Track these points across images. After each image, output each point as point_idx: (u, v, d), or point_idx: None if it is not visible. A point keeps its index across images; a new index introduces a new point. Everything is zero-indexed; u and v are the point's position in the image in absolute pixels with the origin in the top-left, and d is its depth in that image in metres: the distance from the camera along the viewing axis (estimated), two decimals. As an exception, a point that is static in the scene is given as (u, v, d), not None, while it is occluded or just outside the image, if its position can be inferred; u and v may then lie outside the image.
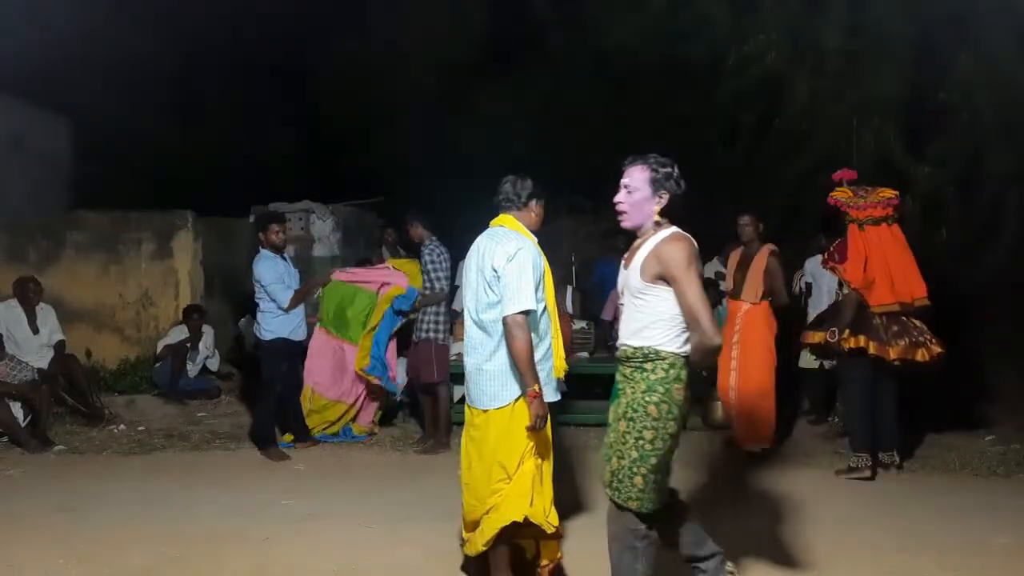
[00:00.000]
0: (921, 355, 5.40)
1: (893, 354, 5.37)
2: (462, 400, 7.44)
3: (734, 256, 6.41)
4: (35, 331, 7.08)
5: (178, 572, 3.97)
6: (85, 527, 4.57)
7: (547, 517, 3.61)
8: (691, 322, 2.97)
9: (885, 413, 5.63)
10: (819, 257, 7.29)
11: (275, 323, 6.12)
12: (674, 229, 3.12)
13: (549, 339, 3.74)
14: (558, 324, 3.85)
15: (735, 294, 6.29)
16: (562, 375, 3.84)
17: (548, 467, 3.69)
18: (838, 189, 5.66)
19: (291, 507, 4.92)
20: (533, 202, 3.81)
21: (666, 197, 3.11)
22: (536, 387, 3.46)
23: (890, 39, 7.16)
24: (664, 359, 3.03)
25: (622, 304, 3.23)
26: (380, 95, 11.03)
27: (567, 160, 9.71)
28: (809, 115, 7.63)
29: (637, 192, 3.12)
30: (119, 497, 5.09)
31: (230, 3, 10.01)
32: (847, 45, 7.34)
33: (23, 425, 6.49)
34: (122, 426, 7.06)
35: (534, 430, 3.49)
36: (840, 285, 5.74)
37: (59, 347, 7.21)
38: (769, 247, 6.20)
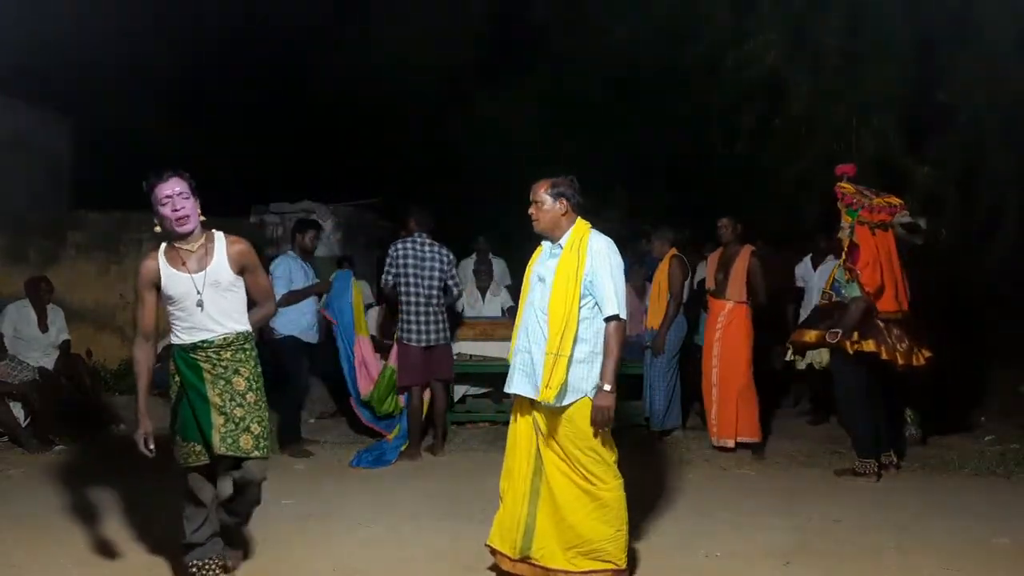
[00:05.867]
0: (917, 359, 5.42)
1: (901, 359, 5.33)
2: (462, 400, 7.54)
3: (714, 257, 6.60)
4: (44, 330, 7.08)
5: (178, 572, 3.97)
6: (85, 527, 4.56)
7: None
8: None
9: (884, 415, 5.61)
10: (809, 259, 7.31)
11: (281, 321, 6.12)
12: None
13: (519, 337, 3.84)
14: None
15: (718, 293, 6.42)
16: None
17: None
18: (843, 183, 5.54)
19: (291, 507, 4.91)
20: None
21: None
22: None
23: (890, 39, 7.16)
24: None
25: None
26: (380, 95, 11.03)
27: (567, 160, 9.71)
28: (809, 115, 7.63)
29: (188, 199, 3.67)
30: (119, 497, 5.09)
31: (230, 3, 10.02)
32: (847, 45, 7.34)
33: (23, 425, 6.49)
34: (123, 426, 7.06)
35: None
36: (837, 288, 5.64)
37: (64, 347, 7.20)
38: (749, 248, 6.37)
